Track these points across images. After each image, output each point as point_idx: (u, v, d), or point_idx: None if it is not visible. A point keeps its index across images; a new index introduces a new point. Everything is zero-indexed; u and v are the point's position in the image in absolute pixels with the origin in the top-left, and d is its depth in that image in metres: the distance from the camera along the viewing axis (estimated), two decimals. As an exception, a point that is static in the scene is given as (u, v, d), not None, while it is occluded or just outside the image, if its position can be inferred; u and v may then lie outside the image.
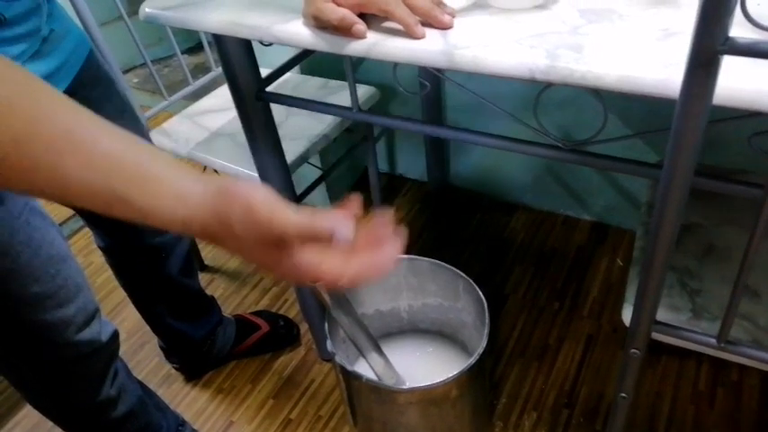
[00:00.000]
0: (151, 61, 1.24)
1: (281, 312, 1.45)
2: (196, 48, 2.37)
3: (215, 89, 1.44)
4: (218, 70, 1.42)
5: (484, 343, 0.65)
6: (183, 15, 0.78)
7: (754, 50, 0.43)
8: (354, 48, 0.67)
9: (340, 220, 0.42)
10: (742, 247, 0.54)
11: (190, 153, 1.23)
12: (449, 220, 1.67)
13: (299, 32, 0.70)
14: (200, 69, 2.06)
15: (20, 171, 0.36)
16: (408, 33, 0.65)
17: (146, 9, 0.81)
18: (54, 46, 0.72)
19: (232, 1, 0.80)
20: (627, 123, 1.24)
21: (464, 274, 0.73)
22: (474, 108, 1.43)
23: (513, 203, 1.68)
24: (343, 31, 0.67)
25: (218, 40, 0.84)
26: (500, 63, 0.61)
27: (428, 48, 0.64)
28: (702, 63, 0.44)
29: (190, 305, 1.19)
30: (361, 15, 0.67)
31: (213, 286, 1.56)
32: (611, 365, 1.25)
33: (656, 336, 0.70)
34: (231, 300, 1.51)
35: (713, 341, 0.66)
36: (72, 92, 0.76)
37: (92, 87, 0.80)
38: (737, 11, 0.42)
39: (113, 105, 0.86)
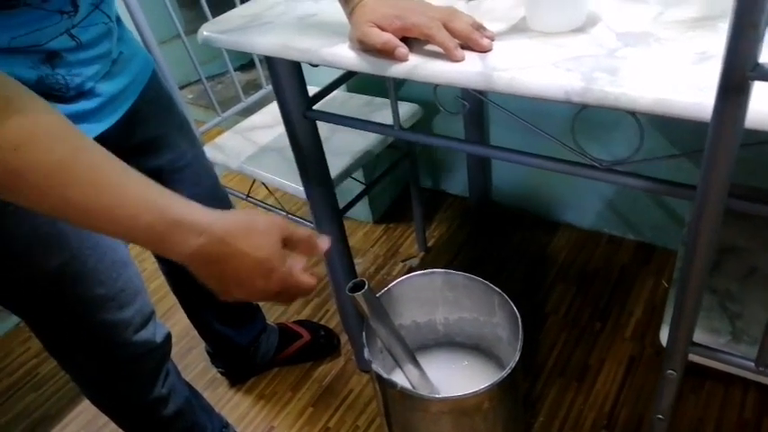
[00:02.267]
0: (205, 78, 1.31)
1: (322, 323, 1.49)
2: (248, 65, 2.47)
3: (266, 105, 1.51)
4: (268, 88, 1.48)
5: (517, 357, 0.66)
6: (237, 38, 0.83)
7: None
8: (397, 70, 0.71)
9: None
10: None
11: (240, 167, 1.29)
12: (490, 236, 1.68)
13: (346, 55, 0.74)
14: (252, 86, 2.14)
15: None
16: (448, 56, 0.68)
17: (204, 32, 0.87)
18: (122, 67, 0.78)
19: (282, 25, 0.85)
20: (666, 143, 1.23)
21: (499, 290, 0.75)
22: (516, 125, 1.44)
23: (555, 221, 1.67)
24: (387, 54, 0.70)
25: (270, 62, 0.89)
26: (536, 85, 0.63)
27: (467, 70, 0.67)
28: (732, 89, 0.45)
29: (236, 312, 1.24)
30: (404, 39, 0.71)
31: (258, 295, 1.61)
32: (654, 389, 1.22)
33: (692, 357, 0.70)
34: (274, 309, 1.56)
35: (751, 364, 0.65)
36: (137, 108, 0.82)
37: (154, 104, 0.87)
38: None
39: (173, 121, 0.92)
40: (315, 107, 0.95)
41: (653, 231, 1.54)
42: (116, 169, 0.49)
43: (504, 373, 0.64)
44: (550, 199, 1.65)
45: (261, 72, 1.46)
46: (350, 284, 0.67)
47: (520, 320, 0.71)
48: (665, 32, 0.65)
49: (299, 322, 1.45)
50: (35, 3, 0.62)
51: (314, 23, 0.84)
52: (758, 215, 0.65)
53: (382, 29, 0.70)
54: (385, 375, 0.68)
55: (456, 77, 0.67)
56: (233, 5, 1.01)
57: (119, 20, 0.78)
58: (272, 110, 1.49)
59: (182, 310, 1.22)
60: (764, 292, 0.79)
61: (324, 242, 0.61)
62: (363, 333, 0.62)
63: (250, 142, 1.34)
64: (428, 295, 0.83)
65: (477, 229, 1.71)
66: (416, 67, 0.70)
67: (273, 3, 0.93)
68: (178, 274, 1.13)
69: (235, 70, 1.38)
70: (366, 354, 0.72)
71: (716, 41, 0.62)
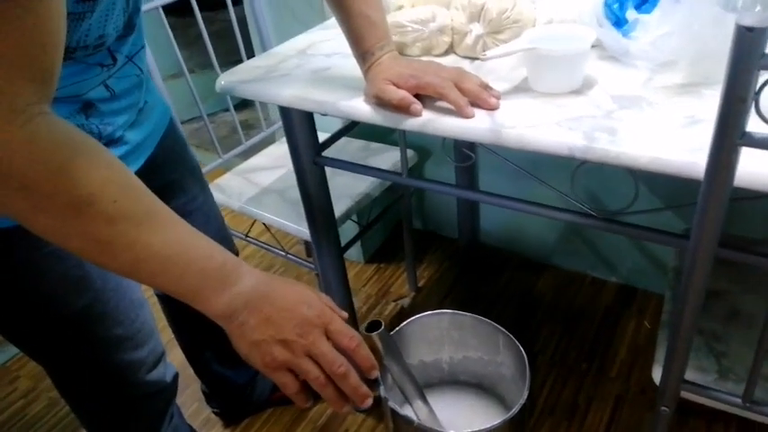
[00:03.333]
0: (193, 118, 1.34)
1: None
2: (238, 106, 2.54)
3: (263, 148, 1.55)
4: (267, 131, 1.53)
5: (525, 394, 0.70)
6: (256, 89, 0.89)
7: (769, 144, 0.51)
8: (411, 123, 0.76)
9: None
10: (764, 313, 0.60)
11: (241, 207, 1.32)
12: (478, 277, 1.73)
13: (362, 108, 0.80)
14: (244, 126, 2.19)
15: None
16: (460, 113, 0.74)
17: (222, 81, 0.92)
18: (147, 116, 0.82)
19: (298, 78, 0.90)
20: (656, 194, 1.31)
21: (505, 330, 0.79)
22: (505, 170, 1.52)
23: (541, 263, 1.74)
24: (402, 109, 0.76)
25: (284, 111, 0.94)
26: (542, 142, 0.69)
27: (477, 126, 0.73)
28: (724, 153, 0.52)
29: (235, 352, 1.25)
30: (417, 96, 0.77)
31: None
32: (640, 426, 1.27)
33: (684, 394, 0.75)
34: (268, 347, 1.57)
35: (738, 401, 0.70)
36: (156, 154, 0.86)
37: (171, 150, 0.90)
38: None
39: (187, 165, 0.96)
40: (323, 153, 1.00)
41: (634, 274, 1.61)
42: (177, 217, 0.55)
43: (515, 410, 0.68)
44: (536, 241, 1.72)
45: (261, 116, 1.51)
46: (365, 324, 0.71)
47: (526, 359, 0.75)
48: (655, 97, 0.73)
49: (294, 361, 1.46)
50: (79, 57, 0.66)
51: (328, 77, 0.90)
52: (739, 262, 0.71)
53: (398, 86, 0.76)
54: (401, 412, 0.71)
55: (467, 132, 0.73)
56: (228, 49, 1.06)
57: (147, 72, 0.83)
58: (271, 152, 1.53)
59: (176, 349, 1.23)
60: (747, 332, 0.85)
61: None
62: (378, 372, 0.66)
63: (251, 183, 1.38)
64: (435, 335, 0.86)
65: (467, 269, 1.76)
66: (430, 121, 0.76)
67: (286, 56, 0.99)
68: (182, 314, 1.15)
69: (225, 111, 1.42)
70: (382, 391, 0.75)
71: (701, 106, 0.69)
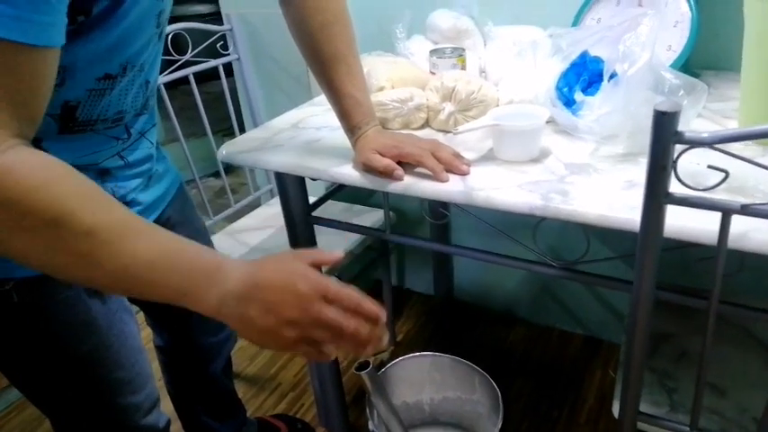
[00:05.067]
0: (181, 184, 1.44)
1: (298, 416, 1.54)
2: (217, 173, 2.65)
3: (248, 211, 1.66)
4: (255, 194, 1.64)
5: (499, 424, 0.78)
6: (255, 158, 1.00)
7: (688, 202, 0.63)
8: (395, 187, 0.88)
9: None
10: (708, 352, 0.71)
11: (231, 265, 1.40)
12: (454, 331, 1.81)
13: (352, 174, 0.91)
14: (224, 192, 2.28)
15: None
16: (436, 178, 0.86)
17: (224, 151, 1.03)
18: (157, 181, 0.91)
19: (290, 147, 1.02)
20: (608, 246, 1.44)
21: (480, 369, 0.88)
22: (476, 229, 1.64)
23: (512, 317, 1.84)
24: (387, 175, 0.88)
25: (279, 176, 1.05)
26: (507, 202, 0.81)
27: (451, 189, 0.85)
28: (652, 210, 0.64)
29: (224, 405, 1.30)
30: (399, 163, 0.89)
31: (234, 391, 1.66)
32: (609, 471, 1.34)
33: (641, 425, 0.84)
34: (251, 403, 1.61)
35: (687, 429, 0.80)
36: (167, 215, 0.94)
37: (180, 212, 0.99)
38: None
39: (194, 226, 1.04)
40: (313, 213, 1.11)
41: (598, 326, 1.72)
42: (157, 226, 0.58)
43: (491, 439, 0.76)
44: (507, 297, 1.83)
45: (249, 181, 1.62)
46: (356, 364, 0.79)
47: (499, 393, 0.84)
48: (601, 164, 0.86)
49: (277, 416, 1.50)
50: (99, 129, 0.75)
51: (319, 147, 1.02)
52: (686, 306, 0.82)
53: (383, 155, 0.88)
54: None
55: (443, 194, 0.85)
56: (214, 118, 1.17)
57: (158, 144, 0.93)
58: (258, 214, 1.63)
59: (165, 399, 1.26)
60: (694, 371, 0.95)
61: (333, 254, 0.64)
62: (367, 409, 0.72)
63: (241, 243, 1.47)
64: (417, 377, 0.94)
65: (443, 324, 1.84)
66: (411, 185, 0.87)
67: (281, 129, 1.11)
68: (177, 366, 1.20)
69: (209, 176, 1.52)
70: (371, 426, 0.83)
71: (638, 172, 0.82)
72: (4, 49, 0.48)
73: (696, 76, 1.06)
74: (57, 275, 0.56)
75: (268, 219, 1.57)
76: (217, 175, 2.80)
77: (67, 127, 0.69)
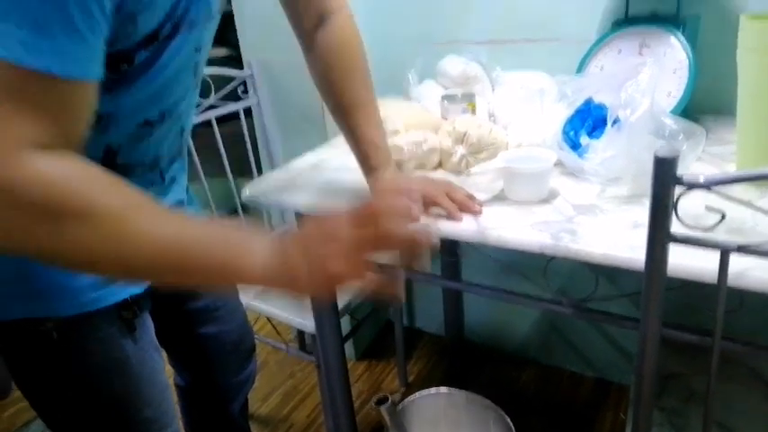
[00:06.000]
0: None
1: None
2: (234, 212, 2.71)
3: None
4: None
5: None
6: (277, 198, 1.05)
7: (688, 242, 0.67)
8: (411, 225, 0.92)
9: None
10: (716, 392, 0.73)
11: (248, 303, 1.44)
12: (465, 372, 1.82)
13: (369, 214, 0.96)
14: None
15: None
16: (451, 217, 0.90)
17: (247, 192, 1.08)
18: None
19: (310, 188, 1.07)
20: (616, 285, 1.46)
21: (495, 405, 0.90)
22: (485, 267, 1.67)
23: (523, 358, 1.84)
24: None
25: (299, 216, 1.09)
26: (518, 241, 0.85)
27: (466, 228, 0.89)
28: (655, 249, 0.68)
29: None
30: (417, 203, 0.93)
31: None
32: None
33: (651, 462, 0.85)
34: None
35: (696, 464, 0.81)
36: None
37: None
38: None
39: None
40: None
41: (608, 367, 1.73)
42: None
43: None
44: (517, 337, 1.84)
45: (265, 219, 1.67)
46: (374, 399, 0.82)
47: (513, 428, 0.86)
48: (607, 205, 0.90)
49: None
50: (136, 174, 0.80)
51: (338, 188, 1.07)
52: (693, 345, 0.85)
53: (399, 196, 0.93)
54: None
55: (458, 233, 0.89)
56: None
57: (188, 188, 0.98)
58: (273, 252, 1.67)
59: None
60: (703, 409, 0.97)
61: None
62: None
63: (257, 280, 1.51)
64: (432, 414, 0.96)
65: (454, 365, 1.85)
66: (427, 225, 0.91)
67: (301, 170, 1.16)
68: (197, 407, 1.21)
69: (222, 216, 1.58)
70: (387, 460, 0.84)
71: (642, 213, 0.86)
72: (44, 79, 0.50)
73: (696, 120, 1.11)
74: (101, 273, 0.57)
75: (283, 257, 1.61)
76: (230, 215, 2.89)
77: (108, 170, 0.74)
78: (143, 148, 0.76)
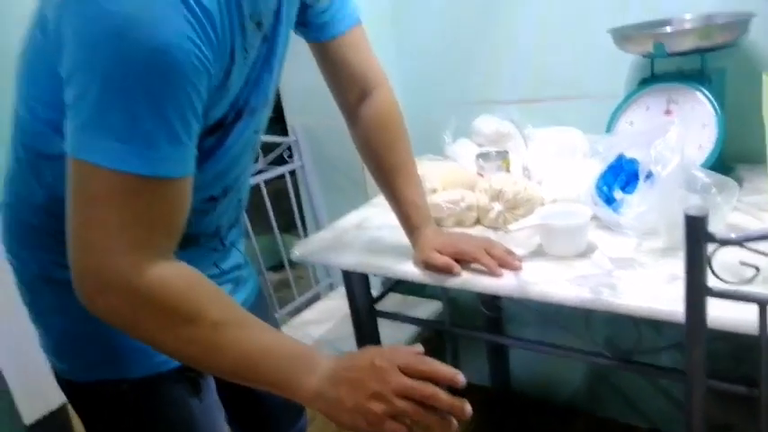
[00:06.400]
0: None
1: None
2: (279, 266, 2.80)
3: (309, 304, 1.76)
4: (315, 288, 1.74)
5: None
6: (326, 257, 1.11)
7: (726, 295, 0.69)
8: (454, 282, 0.96)
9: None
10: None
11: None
12: (513, 424, 1.80)
13: (414, 271, 1.01)
14: (285, 284, 2.41)
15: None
16: (491, 274, 0.94)
17: (296, 252, 1.15)
18: (243, 285, 1.02)
19: (356, 247, 1.13)
20: (660, 333, 1.45)
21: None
22: (529, 319, 1.68)
23: (573, 409, 1.81)
24: (446, 271, 0.96)
25: (346, 273, 1.15)
26: (558, 295, 0.88)
27: (506, 283, 0.93)
28: (693, 303, 0.70)
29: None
30: (456, 260, 0.97)
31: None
32: None
33: None
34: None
35: None
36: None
37: (260, 309, 1.09)
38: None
39: (271, 322, 1.13)
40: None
41: (660, 417, 1.68)
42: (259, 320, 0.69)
43: None
44: (566, 387, 1.81)
45: (310, 274, 1.73)
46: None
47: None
48: (644, 258, 0.92)
49: None
50: (200, 243, 0.87)
51: (381, 246, 1.12)
52: (742, 395, 0.85)
53: (441, 253, 0.97)
54: None
55: (498, 289, 0.93)
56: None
57: (244, 251, 1.05)
58: (319, 307, 1.73)
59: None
60: (757, 461, 0.95)
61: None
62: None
63: (306, 335, 1.56)
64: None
65: (500, 418, 1.84)
66: (468, 280, 0.95)
67: (345, 229, 1.23)
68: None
69: (268, 270, 1.65)
70: None
71: (679, 266, 0.87)
72: (153, 182, 0.61)
73: (730, 169, 1.13)
74: (189, 362, 0.67)
75: (328, 311, 1.66)
76: (275, 269, 2.98)
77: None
78: (207, 221, 0.83)
